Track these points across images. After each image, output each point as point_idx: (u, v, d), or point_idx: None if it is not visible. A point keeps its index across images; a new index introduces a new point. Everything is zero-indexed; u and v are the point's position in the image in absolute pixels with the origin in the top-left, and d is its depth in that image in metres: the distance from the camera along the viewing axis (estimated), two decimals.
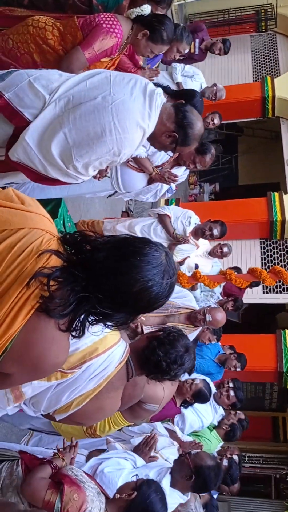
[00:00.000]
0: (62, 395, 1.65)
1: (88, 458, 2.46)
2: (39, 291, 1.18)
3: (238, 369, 5.13)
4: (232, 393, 4.57)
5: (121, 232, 4.29)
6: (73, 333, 1.25)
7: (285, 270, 7.70)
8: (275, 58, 10.09)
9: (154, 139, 2.48)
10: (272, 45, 10.28)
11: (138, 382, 1.95)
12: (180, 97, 3.18)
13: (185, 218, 4.35)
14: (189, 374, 2.81)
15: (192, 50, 5.68)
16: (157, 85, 3.18)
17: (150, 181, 3.69)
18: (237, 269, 6.10)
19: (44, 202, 3.40)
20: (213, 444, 4.64)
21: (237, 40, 10.56)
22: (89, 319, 1.27)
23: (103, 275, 1.23)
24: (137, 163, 3.55)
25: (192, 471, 2.60)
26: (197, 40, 5.63)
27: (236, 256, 7.90)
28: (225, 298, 6.56)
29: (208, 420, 4.38)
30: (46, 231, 1.31)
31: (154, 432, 3.01)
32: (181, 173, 3.84)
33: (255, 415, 8.99)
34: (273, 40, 10.29)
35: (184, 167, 3.75)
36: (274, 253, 7.94)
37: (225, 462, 3.90)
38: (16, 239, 1.24)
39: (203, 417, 4.24)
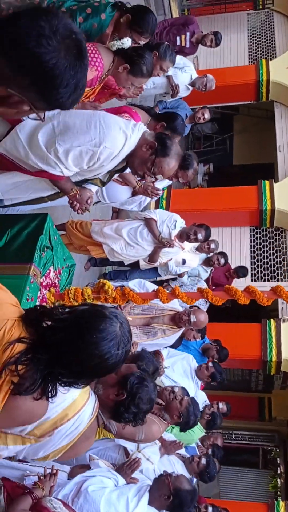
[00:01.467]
0: (38, 451, 1.79)
1: (70, 474, 2.63)
2: (10, 377, 1.33)
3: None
4: (211, 364, 4.75)
5: (108, 234, 4.38)
6: (48, 396, 1.41)
7: (274, 257, 7.96)
8: (271, 37, 9.91)
9: (134, 155, 2.63)
10: (269, 24, 10.08)
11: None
12: (162, 119, 3.24)
13: (170, 222, 4.44)
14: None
15: (183, 43, 5.63)
16: (140, 107, 3.24)
17: (134, 193, 3.78)
18: (224, 255, 6.21)
19: (30, 218, 3.48)
20: (196, 434, 4.86)
21: (233, 18, 10.36)
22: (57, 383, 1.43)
23: (63, 353, 1.37)
24: (121, 178, 3.64)
25: (171, 492, 2.79)
26: (187, 33, 5.57)
27: (226, 243, 8.01)
28: (213, 288, 6.72)
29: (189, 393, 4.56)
30: (8, 319, 1.42)
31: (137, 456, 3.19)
32: (164, 185, 3.91)
33: (242, 395, 9.31)
34: (270, 19, 10.09)
35: (166, 180, 3.82)
36: (263, 240, 8.04)
37: (203, 461, 4.09)
38: None
39: None
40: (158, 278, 5.79)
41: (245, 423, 9.64)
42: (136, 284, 4.00)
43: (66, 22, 1.07)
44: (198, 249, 5.60)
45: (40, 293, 3.06)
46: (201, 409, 5.10)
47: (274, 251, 7.94)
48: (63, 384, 1.42)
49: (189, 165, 3.65)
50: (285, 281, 7.62)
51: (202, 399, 5.45)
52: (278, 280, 7.62)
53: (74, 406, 1.77)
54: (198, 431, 4.96)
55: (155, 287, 3.92)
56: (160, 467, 3.69)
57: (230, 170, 12.42)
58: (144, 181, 3.67)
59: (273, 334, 6.71)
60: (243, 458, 10.23)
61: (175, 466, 3.96)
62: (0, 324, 1.39)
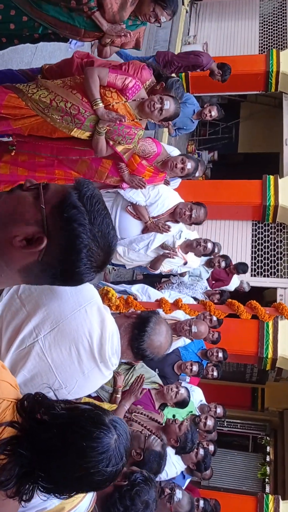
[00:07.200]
0: None
1: None
2: None
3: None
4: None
5: None
6: (22, 498, 1.23)
7: (275, 253, 7.98)
8: (283, 26, 9.70)
9: None
10: (281, 12, 9.86)
11: None
12: None
13: (176, 232, 4.44)
14: None
15: None
16: None
17: (145, 230, 4.00)
18: (225, 258, 6.21)
19: None
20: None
21: (245, 3, 10.13)
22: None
23: (46, 456, 1.22)
24: (135, 210, 3.86)
25: (142, 450, 2.66)
26: None
27: (228, 237, 8.03)
28: (213, 282, 6.76)
29: None
30: (3, 399, 1.27)
31: None
32: (176, 230, 4.21)
33: (236, 385, 9.46)
34: (283, 6, 9.86)
35: (178, 225, 4.15)
36: (265, 236, 8.05)
37: (201, 452, 4.18)
38: None
39: None
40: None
41: (238, 412, 9.84)
42: (139, 289, 4.02)
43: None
44: None
45: None
46: (197, 407, 5.16)
47: (275, 247, 7.97)
48: (41, 489, 1.23)
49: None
50: (284, 277, 7.68)
51: (198, 397, 5.49)
52: (277, 277, 7.67)
53: (72, 499, 1.66)
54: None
55: (158, 294, 3.96)
56: None
57: (235, 158, 12.32)
58: (156, 219, 3.96)
59: (271, 331, 6.79)
60: (233, 440, 10.47)
61: (172, 455, 4.00)
62: None
